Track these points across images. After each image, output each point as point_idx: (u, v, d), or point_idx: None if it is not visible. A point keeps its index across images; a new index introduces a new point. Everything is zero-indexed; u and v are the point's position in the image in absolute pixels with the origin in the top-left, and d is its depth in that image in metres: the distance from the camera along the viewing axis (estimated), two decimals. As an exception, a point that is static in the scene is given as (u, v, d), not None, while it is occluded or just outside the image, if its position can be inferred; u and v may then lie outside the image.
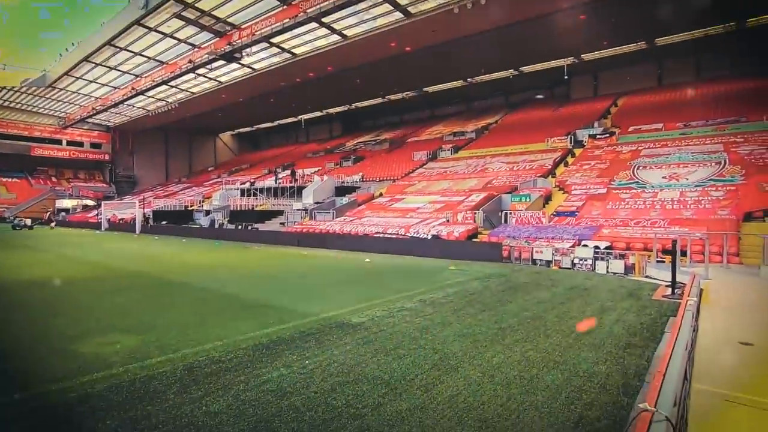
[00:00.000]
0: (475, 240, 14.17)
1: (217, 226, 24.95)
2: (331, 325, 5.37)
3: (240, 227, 22.71)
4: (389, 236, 15.38)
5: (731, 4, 20.43)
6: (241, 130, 54.50)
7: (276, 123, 50.32)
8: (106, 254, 15.47)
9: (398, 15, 21.52)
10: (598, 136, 22.07)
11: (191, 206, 32.10)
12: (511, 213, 15.31)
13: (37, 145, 42.75)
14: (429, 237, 14.37)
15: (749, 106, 19.43)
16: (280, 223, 22.15)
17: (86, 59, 28.99)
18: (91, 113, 38.34)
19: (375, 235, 15.74)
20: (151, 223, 29.22)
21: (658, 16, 21.75)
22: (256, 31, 22.30)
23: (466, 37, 23.49)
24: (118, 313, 6.40)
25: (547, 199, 16.66)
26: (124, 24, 24.32)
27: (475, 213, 15.61)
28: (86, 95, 35.90)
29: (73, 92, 35.31)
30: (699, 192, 13.74)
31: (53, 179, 45.95)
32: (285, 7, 20.86)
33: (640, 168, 16.87)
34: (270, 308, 6.51)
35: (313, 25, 22.32)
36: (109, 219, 33.01)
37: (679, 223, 11.82)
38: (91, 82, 32.98)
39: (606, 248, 11.20)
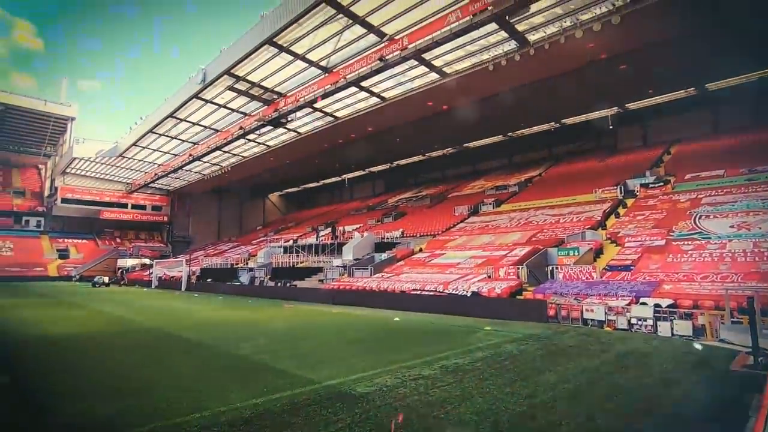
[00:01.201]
0: (518, 297, 13.06)
1: (257, 283, 25.21)
2: (331, 396, 4.73)
3: (279, 284, 22.74)
4: (427, 293, 14.58)
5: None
6: (289, 190, 56.93)
7: (321, 182, 52.20)
8: (137, 310, 15.84)
9: (434, 76, 22.14)
10: (651, 186, 20.60)
11: (237, 264, 32.95)
12: (558, 268, 14.10)
13: (105, 209, 46.78)
14: (468, 294, 13.44)
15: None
16: (319, 280, 21.95)
17: (151, 131, 32.00)
18: (154, 179, 41.70)
19: (412, 293, 14.99)
20: (193, 281, 30.18)
21: (705, 62, 20.92)
22: (300, 98, 23.63)
23: (503, 93, 23.61)
24: (111, 373, 6.17)
25: (598, 252, 15.32)
26: (184, 98, 26.79)
27: (519, 268, 14.56)
28: (150, 162, 39.28)
29: (139, 160, 38.79)
30: (777, 243, 12.03)
31: (117, 240, 49.56)
32: (326, 75, 22.09)
33: (703, 217, 15.26)
34: (271, 372, 5.99)
35: (353, 89, 23.46)
36: (161, 277, 34.53)
37: (756, 278, 10.23)
38: (154, 150, 36.19)
39: (669, 306, 9.80)
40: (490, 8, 14.97)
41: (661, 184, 20.38)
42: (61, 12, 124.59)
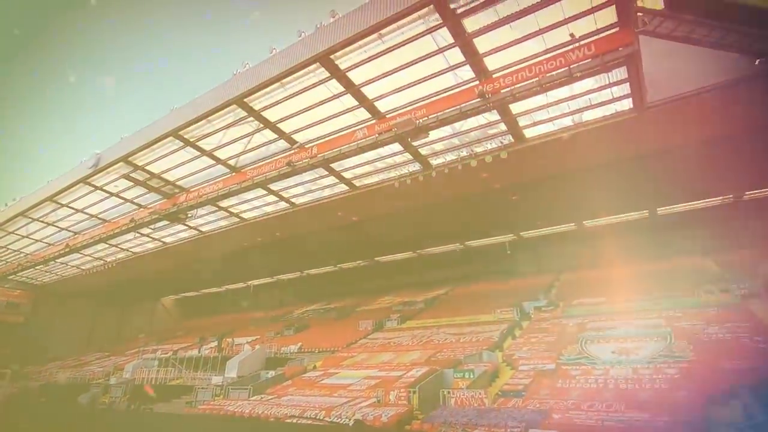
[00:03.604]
0: (407, 427, 11.52)
1: (106, 405, 20.30)
2: None
3: (133, 407, 18.49)
4: (305, 421, 12.41)
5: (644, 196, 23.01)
6: (187, 294, 51.52)
7: (224, 288, 48.26)
8: None
9: (344, 187, 22.62)
10: (543, 308, 21.43)
11: (97, 379, 27.16)
12: (450, 393, 13.02)
13: (-63, 302, 37.93)
14: (351, 423, 11.60)
15: (683, 283, 19.91)
16: (186, 403, 18.29)
17: (23, 213, 27.97)
18: (16, 270, 35.34)
19: (286, 421, 12.69)
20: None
21: (581, 202, 24.04)
22: (203, 194, 22.44)
23: (410, 211, 24.62)
24: None
25: (494, 375, 14.67)
26: (71, 181, 24.20)
27: (411, 392, 13.23)
28: (15, 251, 33.68)
29: (1, 247, 33.11)
30: (652, 369, 12.35)
31: (-55, 343, 39.29)
32: (234, 174, 21.54)
33: (588, 342, 15.67)
34: None
35: (262, 191, 22.99)
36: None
37: (638, 408, 10.03)
38: (23, 237, 31.28)
39: (558, 440, 9.02)
40: (393, 130, 16.05)
41: (552, 307, 21.30)
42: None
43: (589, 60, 12.43)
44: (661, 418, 9.33)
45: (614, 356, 13.98)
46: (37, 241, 31.78)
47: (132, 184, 23.58)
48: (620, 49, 12.09)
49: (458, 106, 14.82)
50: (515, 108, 15.89)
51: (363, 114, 17.33)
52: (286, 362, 21.90)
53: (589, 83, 14.66)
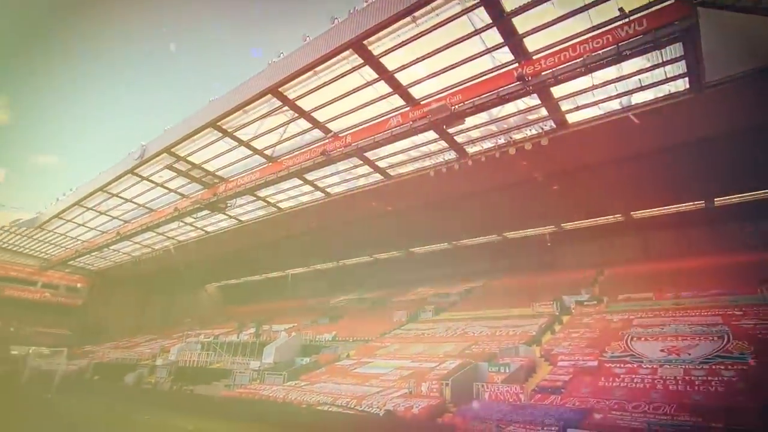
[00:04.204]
0: (438, 420, 11.29)
1: (151, 385, 21.41)
2: None
3: (175, 388, 19.35)
4: (336, 409, 12.44)
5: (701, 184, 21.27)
6: (229, 281, 53.40)
7: (264, 276, 49.55)
8: None
9: (378, 176, 22.44)
10: (586, 303, 20.43)
11: (143, 359, 28.68)
12: (484, 386, 12.63)
13: (8, 285, 41.16)
14: (381, 413, 11.51)
15: (739, 280, 18.33)
16: (225, 386, 18.92)
17: (78, 203, 29.74)
18: (75, 256, 37.91)
19: (318, 408, 12.77)
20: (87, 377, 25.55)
21: (630, 191, 22.58)
22: (241, 184, 22.96)
23: (445, 201, 24.14)
24: None
25: (531, 371, 14.14)
26: (119, 172, 25.46)
27: (444, 384, 12.98)
28: (73, 238, 35.97)
29: (61, 234, 35.46)
30: (706, 370, 11.42)
31: (16, 323, 42.82)
32: (270, 164, 21.87)
33: (634, 339, 14.75)
34: None
35: (297, 181, 23.23)
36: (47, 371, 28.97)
37: (689, 412, 9.28)
38: (79, 225, 33.34)
39: (599, 440, 8.50)
40: (428, 117, 15.65)
41: (595, 302, 20.27)
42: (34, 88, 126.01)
43: (640, 36, 11.53)
44: (714, 423, 8.59)
45: (663, 355, 13.06)
46: (91, 229, 33.77)
47: (175, 174, 24.53)
48: (676, 23, 11.11)
49: (496, 91, 14.27)
50: (557, 91, 15.07)
51: (397, 101, 17.02)
52: (320, 350, 22.18)
53: (639, 62, 13.60)
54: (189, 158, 22.90)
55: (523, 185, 21.39)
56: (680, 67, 13.57)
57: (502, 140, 17.85)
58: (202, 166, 23.48)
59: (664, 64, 13.56)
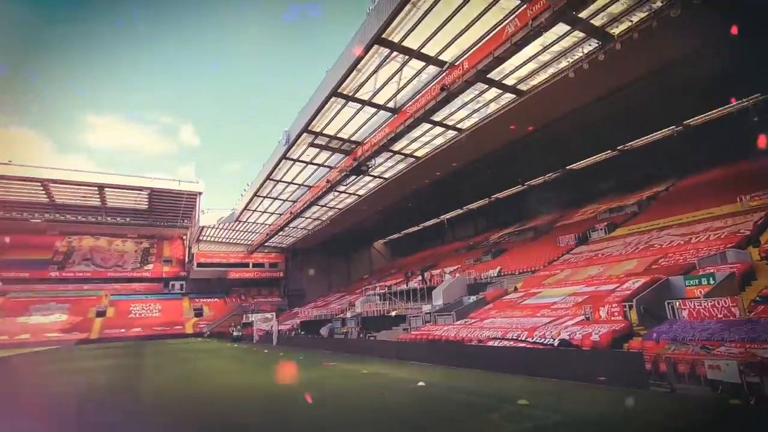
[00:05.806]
0: (624, 345, 9.98)
1: (339, 335, 24.67)
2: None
3: (361, 336, 21.75)
4: (506, 343, 12.14)
5: None
6: (391, 237, 57.10)
7: (421, 226, 51.36)
8: (171, 373, 16.24)
9: (509, 96, 20.31)
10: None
11: (336, 314, 33.10)
12: (681, 304, 10.58)
13: (231, 269, 52.31)
14: (556, 343, 10.74)
15: None
16: (404, 330, 20.46)
17: (255, 194, 35.11)
18: (266, 238, 45.46)
19: (488, 344, 12.65)
20: (294, 334, 30.84)
21: None
22: (375, 143, 23.59)
23: (595, 101, 20.54)
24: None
25: (746, 279, 11.33)
26: (275, 160, 28.89)
27: (627, 306, 11.38)
28: (261, 224, 43.01)
29: (252, 223, 42.75)
30: None
31: (242, 297, 54.51)
32: (395, 116, 21.78)
33: None
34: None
35: (426, 125, 22.69)
36: (267, 331, 35.93)
37: None
38: (263, 212, 39.56)
39: None
40: (550, 6, 13.12)
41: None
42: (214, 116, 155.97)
43: None
44: None
45: None
46: (272, 213, 39.75)
47: (318, 150, 26.61)
48: None
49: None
50: None
51: (510, 2, 14.70)
52: (486, 287, 22.03)
53: None
54: (325, 131, 24.42)
55: (701, 52, 16.56)
56: None
57: (659, 3, 13.94)
58: (338, 135, 24.83)
59: None
